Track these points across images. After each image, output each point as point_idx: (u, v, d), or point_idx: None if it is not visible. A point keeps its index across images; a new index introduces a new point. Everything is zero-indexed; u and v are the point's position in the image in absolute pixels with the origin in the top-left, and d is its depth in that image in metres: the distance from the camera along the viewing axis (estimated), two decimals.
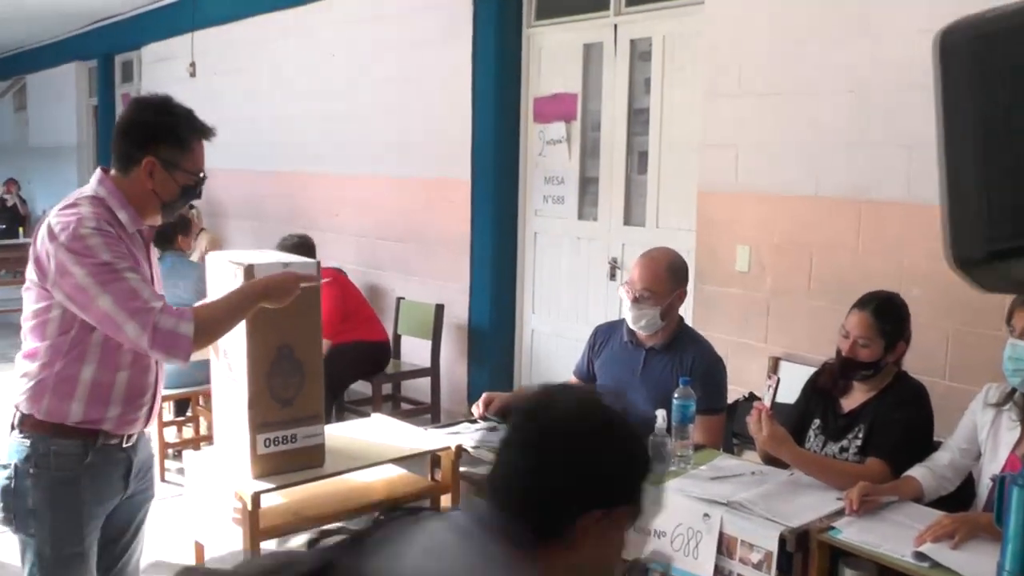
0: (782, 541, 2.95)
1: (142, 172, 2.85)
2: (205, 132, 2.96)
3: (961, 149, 0.49)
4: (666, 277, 3.92)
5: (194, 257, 7.62)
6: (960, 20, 0.51)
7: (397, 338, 7.37)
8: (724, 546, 3.07)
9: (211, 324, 2.81)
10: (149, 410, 2.97)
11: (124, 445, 2.92)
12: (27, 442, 2.80)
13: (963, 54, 0.49)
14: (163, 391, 3.09)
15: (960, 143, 0.48)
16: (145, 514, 3.16)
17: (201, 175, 2.95)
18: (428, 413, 6.90)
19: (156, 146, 2.85)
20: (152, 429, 3.13)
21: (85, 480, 2.83)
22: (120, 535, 3.08)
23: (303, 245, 6.69)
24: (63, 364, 2.77)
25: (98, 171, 2.91)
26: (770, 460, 3.56)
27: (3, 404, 2.92)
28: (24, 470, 2.80)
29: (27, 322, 2.84)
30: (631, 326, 3.97)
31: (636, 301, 3.89)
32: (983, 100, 0.48)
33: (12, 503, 2.83)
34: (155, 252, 3.11)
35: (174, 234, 6.45)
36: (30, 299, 2.82)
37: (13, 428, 2.84)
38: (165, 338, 2.66)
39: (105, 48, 13.72)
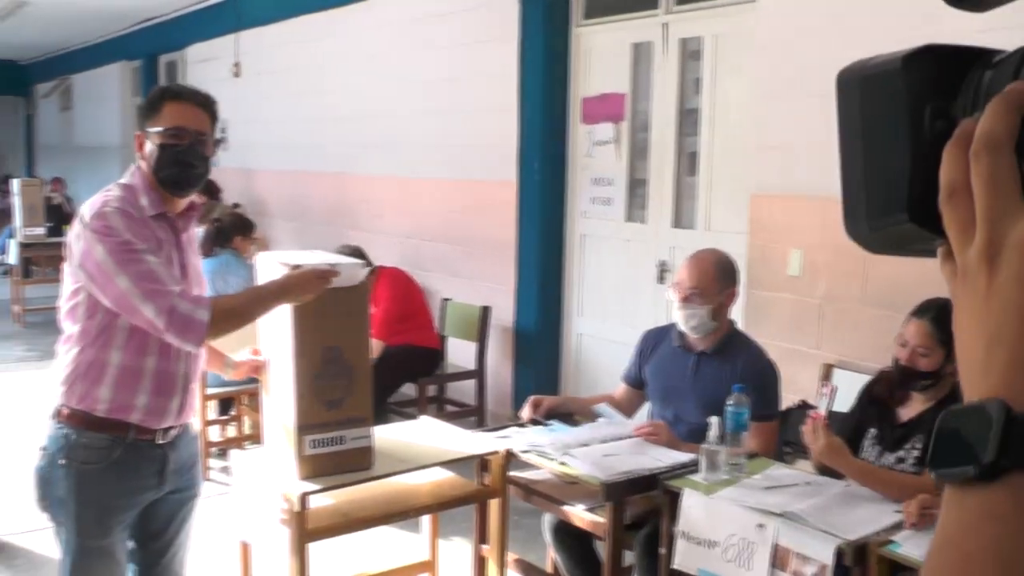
0: (839, 554, 2.91)
1: (138, 151, 2.98)
2: (179, 92, 3.02)
3: (850, 155, 0.72)
4: (715, 275, 3.89)
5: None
6: (852, 64, 0.73)
7: (442, 340, 7.37)
8: (777, 558, 3.03)
9: (228, 314, 2.89)
10: (182, 403, 3.01)
11: (159, 441, 2.97)
12: (60, 431, 2.90)
13: (851, 89, 0.72)
14: (209, 390, 3.14)
15: (849, 151, 0.72)
16: (189, 512, 3.21)
17: (176, 131, 2.95)
18: (473, 416, 6.90)
19: (140, 121, 3.00)
20: (197, 427, 3.18)
21: (112, 474, 2.90)
22: (162, 532, 3.14)
23: (357, 254, 6.75)
24: (93, 349, 2.87)
25: (134, 163, 3.03)
26: (824, 470, 3.52)
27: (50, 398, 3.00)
28: (55, 459, 2.89)
29: (62, 310, 2.95)
30: (681, 327, 3.94)
31: (685, 300, 3.86)
32: (862, 123, 0.71)
33: (44, 490, 2.94)
34: (192, 240, 3.15)
35: (232, 234, 6.60)
36: (66, 286, 2.93)
37: (51, 417, 2.93)
38: (181, 322, 2.74)
39: (149, 48, 13.88)
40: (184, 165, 2.95)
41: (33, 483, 2.98)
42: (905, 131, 0.68)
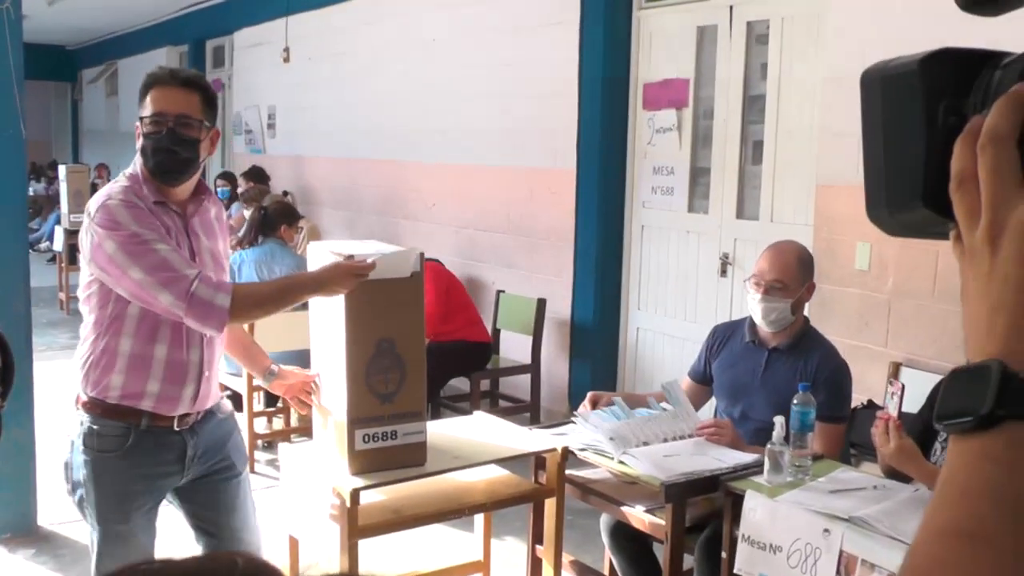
0: None
1: (137, 141, 3.02)
2: (159, 76, 3.02)
3: (872, 147, 0.81)
4: (797, 268, 3.85)
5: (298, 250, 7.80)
6: (874, 65, 0.82)
7: (496, 333, 7.39)
8: (843, 565, 3.01)
9: (250, 300, 2.95)
10: (197, 391, 3.07)
11: (177, 428, 3.06)
12: (80, 419, 3.02)
13: (873, 87, 0.81)
14: (256, 381, 3.20)
15: (871, 143, 0.81)
16: (235, 492, 3.27)
17: (157, 117, 2.96)
18: (527, 411, 6.91)
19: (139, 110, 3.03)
20: (243, 419, 3.23)
21: (128, 461, 3.00)
22: (214, 519, 3.23)
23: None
24: (105, 338, 2.96)
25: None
26: (893, 474, 3.47)
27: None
28: (77, 446, 3.02)
29: (80, 299, 3.07)
30: (759, 321, 3.91)
31: (766, 293, 3.83)
32: (882, 118, 0.80)
33: (69, 475, 3.07)
34: (208, 225, 3.17)
35: (277, 223, 6.71)
36: (83, 276, 3.03)
37: (73, 405, 3.07)
38: (200, 306, 2.81)
39: (197, 33, 14.02)
40: (166, 152, 2.95)
41: (62, 470, 3.12)
42: (921, 126, 0.77)
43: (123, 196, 2.91)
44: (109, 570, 3.05)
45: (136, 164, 3.03)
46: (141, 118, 2.99)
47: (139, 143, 3.00)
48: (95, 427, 2.99)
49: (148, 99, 2.98)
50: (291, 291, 3.08)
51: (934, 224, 0.77)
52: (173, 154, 2.95)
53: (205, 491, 3.20)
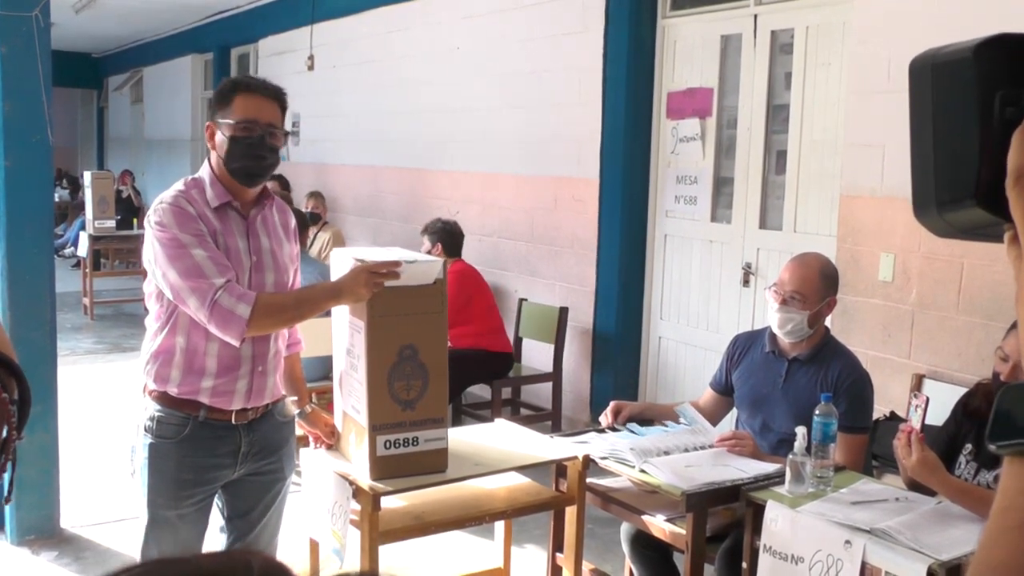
0: (930, 575, 2.87)
1: (208, 142, 3.14)
2: (249, 84, 3.17)
3: (920, 141, 0.76)
4: (818, 282, 3.86)
5: (312, 252, 7.82)
6: (924, 52, 0.76)
7: (518, 341, 7.40)
8: None
9: (271, 310, 3.04)
10: (250, 385, 3.17)
11: (235, 422, 3.16)
12: (145, 406, 3.15)
13: (923, 77, 0.75)
14: None
15: (920, 137, 0.75)
16: (277, 494, 3.37)
17: (247, 124, 3.08)
18: (549, 420, 6.93)
19: (211, 112, 3.16)
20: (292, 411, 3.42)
21: (183, 450, 3.12)
22: (248, 511, 3.33)
23: (446, 231, 6.88)
24: (164, 334, 3.11)
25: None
26: (915, 486, 3.47)
27: (121, 387, 3.20)
28: (140, 431, 3.15)
29: (144, 296, 3.25)
30: (776, 331, 3.92)
31: (784, 303, 3.84)
32: (932, 109, 0.74)
33: (132, 457, 3.21)
34: (271, 226, 3.27)
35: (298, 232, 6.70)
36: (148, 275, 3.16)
37: (140, 392, 3.20)
38: (221, 314, 2.94)
39: (222, 41, 14.12)
40: (254, 157, 3.10)
41: (127, 455, 3.26)
42: (975, 118, 0.71)
43: (172, 200, 3.05)
44: (151, 555, 3.14)
45: (205, 168, 3.16)
46: (224, 121, 3.09)
47: (216, 143, 3.11)
48: (158, 414, 3.12)
49: (234, 104, 3.10)
50: (309, 301, 3.22)
51: (987, 224, 0.73)
52: (261, 159, 3.11)
53: (248, 486, 3.29)
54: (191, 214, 3.04)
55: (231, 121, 3.08)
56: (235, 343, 3.02)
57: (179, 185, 3.13)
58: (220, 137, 3.10)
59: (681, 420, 4.01)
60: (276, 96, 3.17)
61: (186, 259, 2.97)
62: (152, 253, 3.04)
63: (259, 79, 3.27)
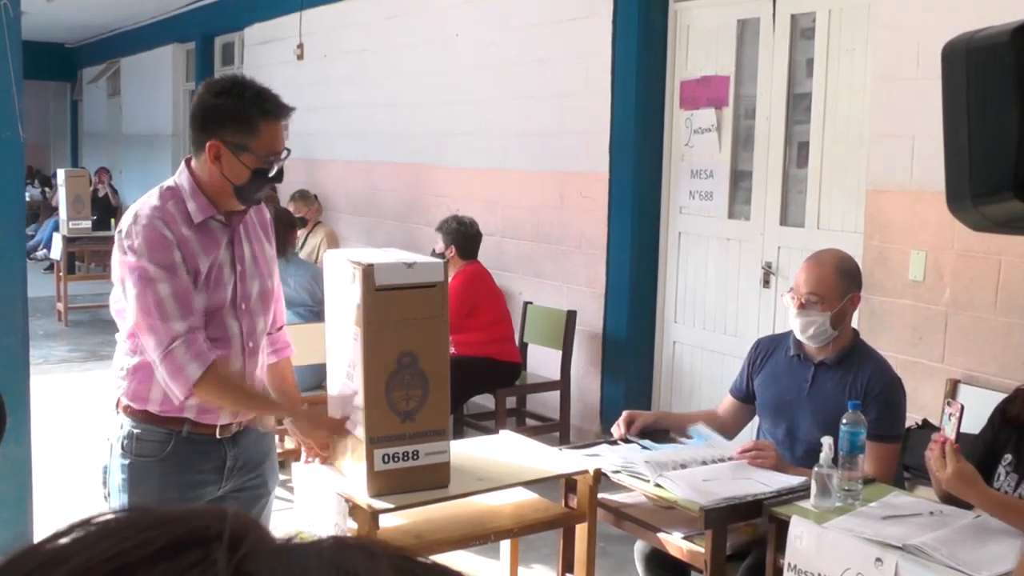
0: None
1: (208, 156, 3.04)
2: (276, 111, 3.09)
3: (955, 129, 0.75)
4: (835, 279, 3.85)
5: (303, 253, 7.82)
6: (958, 36, 0.74)
7: (523, 347, 7.39)
8: None
9: (219, 384, 3.04)
10: None
11: (219, 436, 3.16)
12: (119, 422, 3.12)
13: (957, 61, 0.75)
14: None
15: (955, 125, 0.74)
16: (261, 509, 3.37)
17: (272, 158, 3.07)
18: (556, 431, 6.92)
19: (220, 129, 3.02)
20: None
21: (166, 467, 3.10)
22: None
23: (461, 232, 6.84)
24: (141, 351, 3.06)
25: (184, 160, 3.16)
26: (949, 499, 3.46)
27: (97, 398, 3.20)
28: (116, 450, 3.12)
29: (112, 307, 3.20)
30: (798, 336, 3.91)
31: (802, 307, 3.84)
32: (967, 96, 0.73)
33: (105, 478, 3.18)
34: (254, 228, 3.27)
35: (286, 233, 6.68)
36: (116, 285, 3.13)
37: (113, 407, 3.17)
38: (173, 366, 2.94)
39: (204, 29, 14.12)
40: (270, 184, 3.15)
41: (99, 475, 3.22)
42: (1014, 104, 0.70)
43: (147, 221, 2.99)
44: None
45: (182, 175, 3.09)
46: (243, 148, 3.01)
47: (224, 165, 3.02)
48: (136, 431, 3.09)
49: (264, 133, 3.03)
50: (256, 404, 3.24)
51: None
52: (272, 184, 3.17)
53: (237, 503, 3.27)
54: (167, 240, 2.97)
55: (256, 154, 3.02)
56: (176, 400, 3.00)
57: (154, 199, 3.04)
58: (236, 165, 3.01)
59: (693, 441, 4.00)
60: (288, 116, 3.16)
61: (150, 295, 2.94)
62: (120, 275, 3.02)
63: (274, 96, 3.13)
